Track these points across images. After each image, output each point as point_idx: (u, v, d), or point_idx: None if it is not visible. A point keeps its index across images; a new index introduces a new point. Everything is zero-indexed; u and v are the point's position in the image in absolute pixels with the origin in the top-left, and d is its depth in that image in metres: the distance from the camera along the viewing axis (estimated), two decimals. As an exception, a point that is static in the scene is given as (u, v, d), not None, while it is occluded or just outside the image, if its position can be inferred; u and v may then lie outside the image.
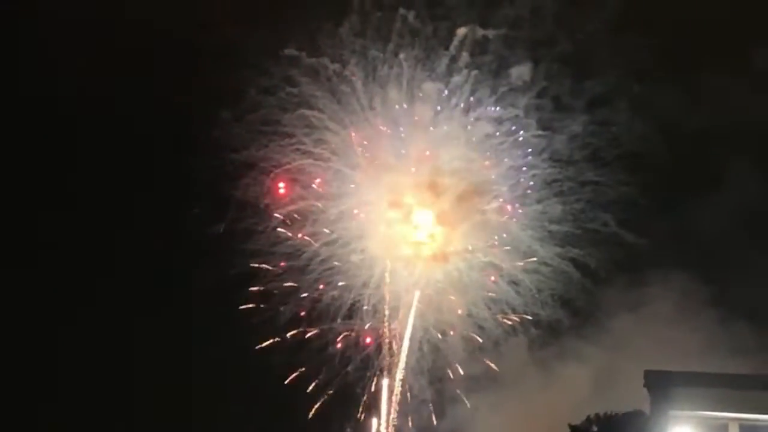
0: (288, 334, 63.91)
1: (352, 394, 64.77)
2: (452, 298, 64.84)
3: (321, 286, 64.43)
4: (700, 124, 64.81)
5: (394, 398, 64.19)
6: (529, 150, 63.21)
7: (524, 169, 63.36)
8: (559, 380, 63.78)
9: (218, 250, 62.32)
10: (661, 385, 44.95)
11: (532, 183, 63.50)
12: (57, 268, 64.35)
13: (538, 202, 63.58)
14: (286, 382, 63.29)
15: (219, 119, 61.26)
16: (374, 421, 63.98)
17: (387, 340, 64.83)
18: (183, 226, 61.52)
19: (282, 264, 64.00)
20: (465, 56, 61.63)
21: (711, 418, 43.81)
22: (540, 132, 62.71)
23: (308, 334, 64.39)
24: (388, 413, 64.51)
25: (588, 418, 56.42)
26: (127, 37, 61.66)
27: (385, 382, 63.79)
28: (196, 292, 61.44)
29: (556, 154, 63.03)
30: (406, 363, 64.73)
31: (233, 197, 62.75)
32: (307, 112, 61.89)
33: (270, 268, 63.75)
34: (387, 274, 64.01)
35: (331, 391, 63.99)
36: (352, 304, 64.58)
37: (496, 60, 61.83)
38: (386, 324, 64.56)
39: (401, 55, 60.58)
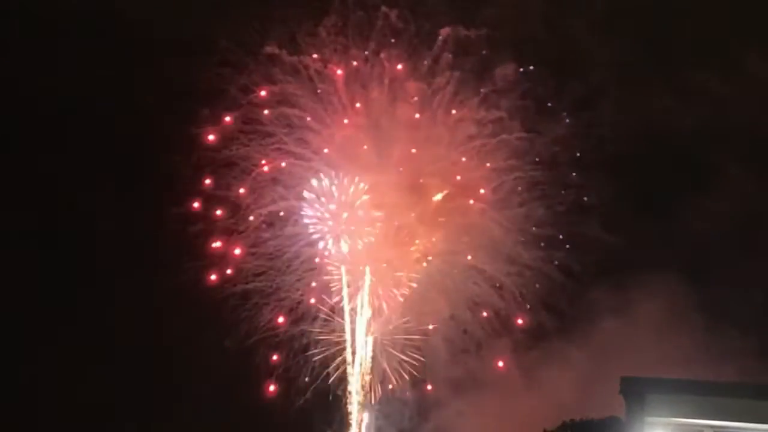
0: (268, 335, 63.04)
1: (333, 396, 64.13)
2: (435, 299, 63.93)
3: (301, 287, 63.51)
4: (686, 126, 64.25)
5: (374, 400, 63.48)
6: (512, 152, 62.46)
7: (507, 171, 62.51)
8: (537, 385, 63.16)
9: (198, 249, 61.64)
10: (637, 391, 43.70)
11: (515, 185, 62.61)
12: (36, 265, 63.55)
13: (521, 205, 62.82)
14: (267, 383, 63.00)
15: (199, 117, 60.65)
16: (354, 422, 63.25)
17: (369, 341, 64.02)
18: (163, 225, 60.56)
19: (263, 263, 63.19)
20: (448, 56, 61.09)
21: (686, 424, 42.82)
22: (523, 134, 62.04)
23: (289, 335, 63.56)
24: (371, 415, 63.80)
25: (563, 424, 55.96)
26: (106, 34, 60.93)
27: (358, 383, 62.95)
28: (175, 291, 60.37)
29: (540, 156, 62.44)
30: (388, 365, 64.03)
31: (214, 197, 62.12)
32: (288, 111, 61.20)
33: (250, 267, 62.87)
34: (368, 275, 63.13)
35: (310, 394, 63.40)
36: (333, 305, 63.85)
37: (479, 61, 61.35)
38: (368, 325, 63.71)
39: (382, 54, 59.93)
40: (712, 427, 42.58)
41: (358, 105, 61.71)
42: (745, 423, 42.22)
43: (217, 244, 62.77)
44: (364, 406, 64.12)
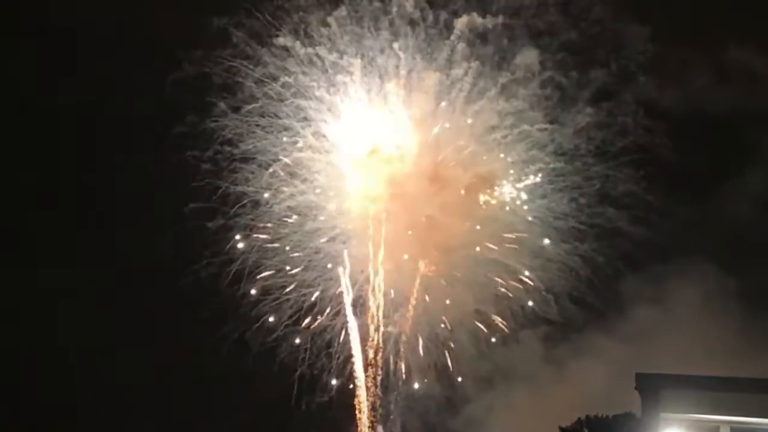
0: (289, 330, 62.51)
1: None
2: (458, 293, 62.95)
3: (322, 282, 62.72)
4: (720, 106, 62.69)
5: (396, 396, 62.59)
6: (534, 143, 61.21)
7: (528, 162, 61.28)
8: (564, 379, 62.21)
9: (217, 245, 61.21)
10: (652, 387, 43.57)
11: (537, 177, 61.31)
12: (54, 262, 63.19)
13: (543, 197, 61.53)
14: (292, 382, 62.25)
15: (215, 111, 60.08)
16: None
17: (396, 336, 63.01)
18: (181, 221, 60.01)
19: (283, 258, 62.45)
20: (466, 47, 59.91)
21: (702, 420, 42.56)
22: (545, 125, 60.78)
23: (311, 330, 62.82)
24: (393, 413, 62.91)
25: (579, 420, 55.25)
26: (119, 27, 60.50)
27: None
28: (193, 287, 59.83)
29: (561, 147, 61.07)
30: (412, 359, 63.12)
31: (232, 192, 61.47)
32: (304, 103, 60.46)
33: (270, 263, 62.17)
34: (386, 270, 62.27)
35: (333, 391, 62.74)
36: (356, 299, 62.90)
37: (498, 50, 60.17)
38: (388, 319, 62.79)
39: (395, 45, 58.88)
40: (728, 422, 42.20)
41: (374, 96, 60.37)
42: (762, 419, 41.83)
43: (236, 240, 61.80)
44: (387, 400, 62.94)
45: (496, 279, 62.85)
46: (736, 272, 62.51)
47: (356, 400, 62.23)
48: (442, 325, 63.16)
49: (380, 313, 62.21)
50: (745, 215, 63.80)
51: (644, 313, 63.21)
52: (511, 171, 61.74)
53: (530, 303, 62.84)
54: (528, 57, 59.99)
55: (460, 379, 63.69)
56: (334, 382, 63.22)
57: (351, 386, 63.25)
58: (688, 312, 62.21)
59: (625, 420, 51.20)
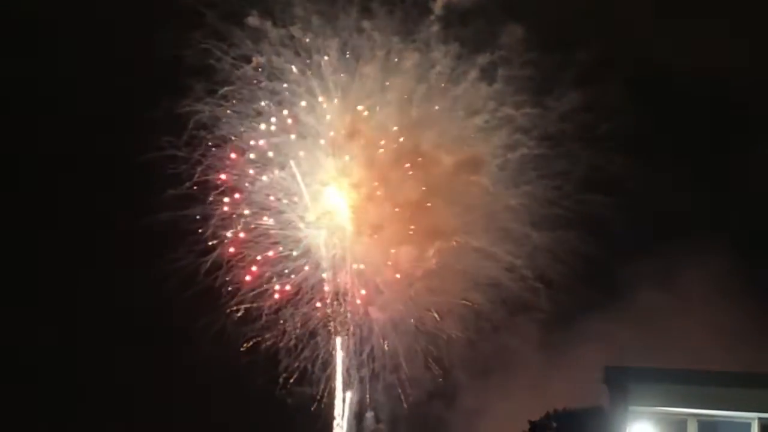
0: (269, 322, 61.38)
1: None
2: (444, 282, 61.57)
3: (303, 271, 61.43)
4: (715, 85, 60.67)
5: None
6: (517, 127, 59.62)
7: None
8: (552, 369, 60.89)
9: (194, 235, 60.20)
10: (620, 380, 44.04)
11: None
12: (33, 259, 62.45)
13: (528, 183, 59.94)
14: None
15: (188, 94, 58.77)
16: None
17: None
18: (156, 209, 58.65)
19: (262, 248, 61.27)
20: (446, 27, 58.55)
21: (670, 413, 42.69)
22: (528, 110, 59.23)
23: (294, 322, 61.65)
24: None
25: (547, 414, 54.41)
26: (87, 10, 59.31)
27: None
28: (170, 279, 58.68)
29: (546, 132, 59.70)
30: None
31: (210, 180, 60.30)
32: (279, 86, 59.14)
33: (248, 253, 60.95)
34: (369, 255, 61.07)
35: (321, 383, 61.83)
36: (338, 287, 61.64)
37: (479, 31, 58.66)
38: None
39: (365, 23, 57.48)
40: (695, 415, 42.47)
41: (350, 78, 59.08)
42: (728, 411, 42.17)
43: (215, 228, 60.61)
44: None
45: (482, 267, 61.15)
46: (739, 261, 60.23)
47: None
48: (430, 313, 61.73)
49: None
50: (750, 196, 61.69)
51: (632, 303, 61.36)
52: (495, 156, 59.72)
53: (517, 291, 61.39)
54: (511, 36, 58.32)
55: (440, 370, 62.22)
56: (320, 373, 62.10)
57: (337, 377, 62.20)
58: (687, 303, 60.41)
59: (594, 413, 50.42)
